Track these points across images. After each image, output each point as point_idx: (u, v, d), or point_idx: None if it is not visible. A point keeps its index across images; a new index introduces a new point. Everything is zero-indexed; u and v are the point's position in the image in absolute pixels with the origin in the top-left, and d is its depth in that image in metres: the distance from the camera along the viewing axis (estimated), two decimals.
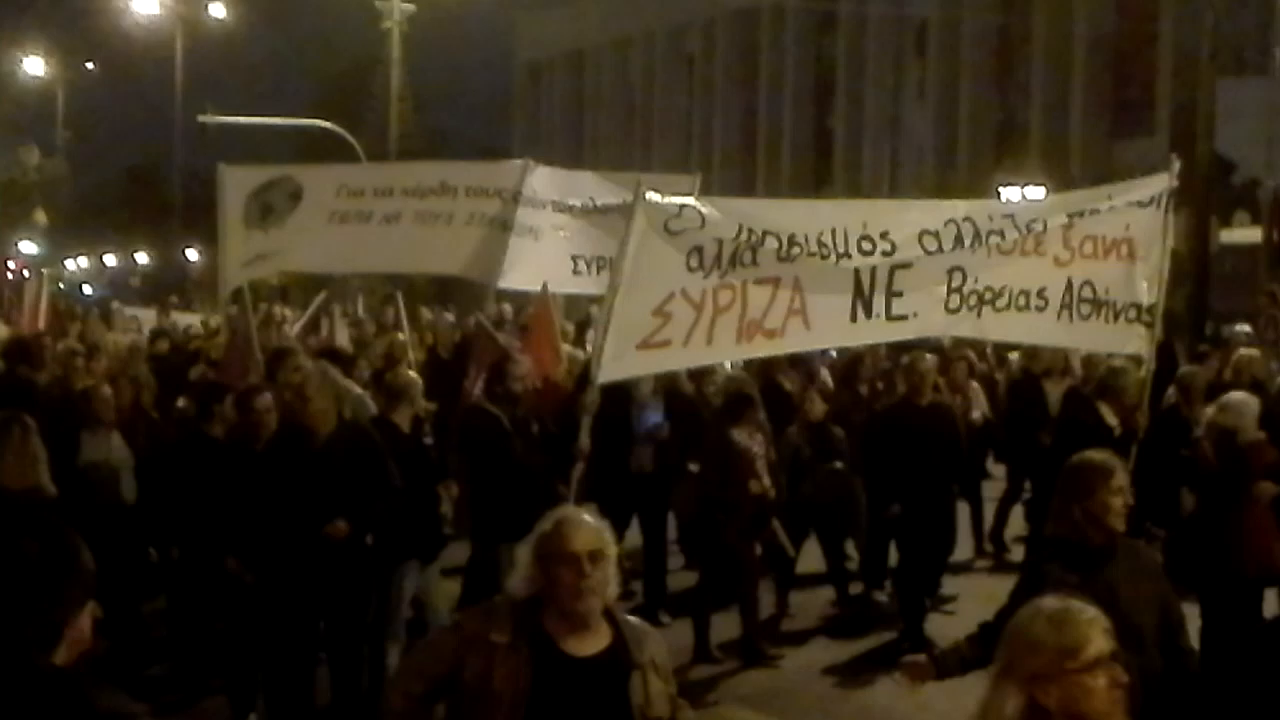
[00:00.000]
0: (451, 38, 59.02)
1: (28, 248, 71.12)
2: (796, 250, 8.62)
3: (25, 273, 67.62)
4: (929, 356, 12.06)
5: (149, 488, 9.95)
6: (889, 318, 9.05)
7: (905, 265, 8.97)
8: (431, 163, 14.21)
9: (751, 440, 10.95)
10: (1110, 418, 11.14)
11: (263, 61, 77.78)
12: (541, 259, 12.39)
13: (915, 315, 9.14)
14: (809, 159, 57.00)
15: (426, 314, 22.47)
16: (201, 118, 42.11)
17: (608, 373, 8.53)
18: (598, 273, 12.34)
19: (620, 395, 10.92)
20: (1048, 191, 35.77)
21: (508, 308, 18.92)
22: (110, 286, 66.52)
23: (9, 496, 7.51)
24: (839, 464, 11.96)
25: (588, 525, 4.66)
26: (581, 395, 8.91)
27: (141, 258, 74.47)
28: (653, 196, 8.36)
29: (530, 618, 4.60)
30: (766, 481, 10.89)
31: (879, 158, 54.01)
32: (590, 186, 12.81)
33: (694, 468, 11.48)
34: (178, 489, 9.35)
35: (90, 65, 67.05)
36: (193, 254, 65.40)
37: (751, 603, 11.09)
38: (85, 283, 70.22)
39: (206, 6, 52.21)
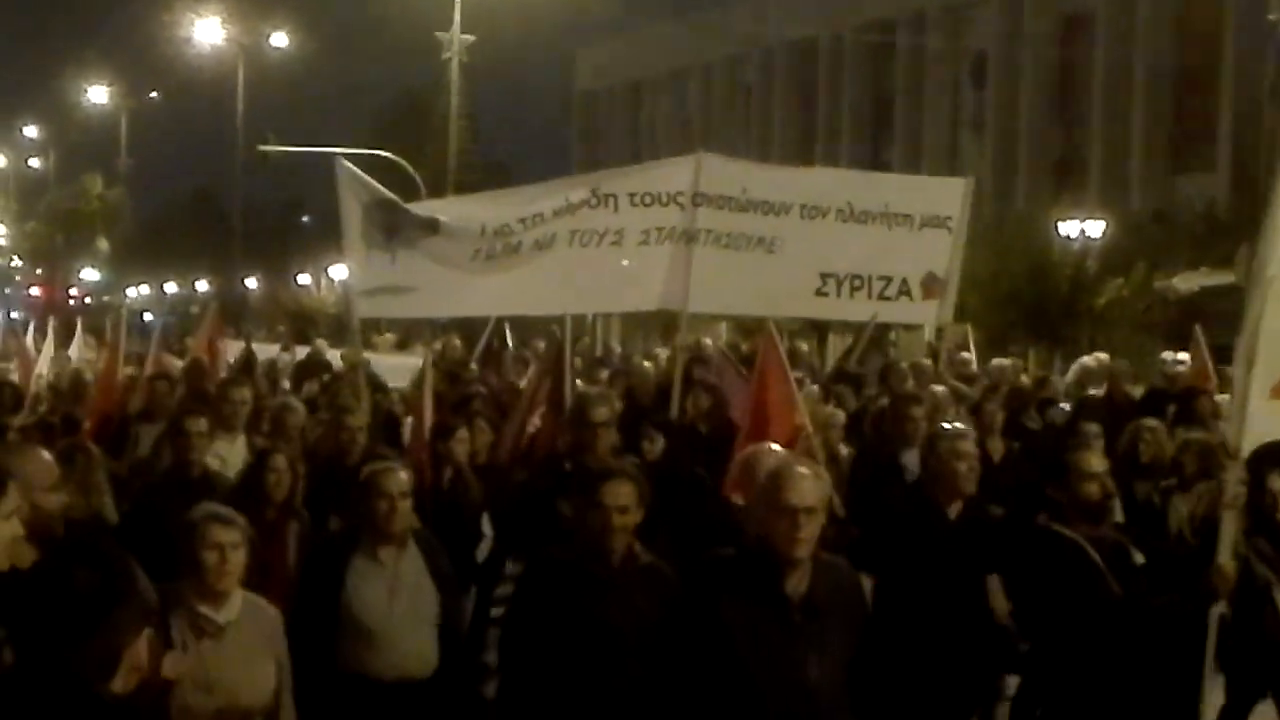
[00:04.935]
0: (510, 68, 59.51)
1: (90, 275, 72.11)
2: None
3: (87, 300, 68.69)
4: None
5: None
6: None
7: None
8: (576, 178, 11.68)
9: None
10: None
11: (324, 91, 78.59)
12: (758, 276, 9.95)
13: None
14: None
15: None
16: (262, 147, 42.67)
17: (1253, 434, 5.77)
18: (851, 294, 10.03)
19: None
20: (1108, 225, 35.50)
21: (709, 341, 15.02)
22: (172, 314, 67.21)
23: (70, 525, 7.55)
24: None
25: None
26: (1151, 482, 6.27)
27: (202, 285, 75.17)
28: None
29: None
30: None
31: None
32: (833, 183, 10.62)
33: None
34: None
35: (153, 94, 67.87)
36: (252, 282, 65.95)
37: None
38: (146, 310, 70.98)
39: (268, 36, 52.78)
